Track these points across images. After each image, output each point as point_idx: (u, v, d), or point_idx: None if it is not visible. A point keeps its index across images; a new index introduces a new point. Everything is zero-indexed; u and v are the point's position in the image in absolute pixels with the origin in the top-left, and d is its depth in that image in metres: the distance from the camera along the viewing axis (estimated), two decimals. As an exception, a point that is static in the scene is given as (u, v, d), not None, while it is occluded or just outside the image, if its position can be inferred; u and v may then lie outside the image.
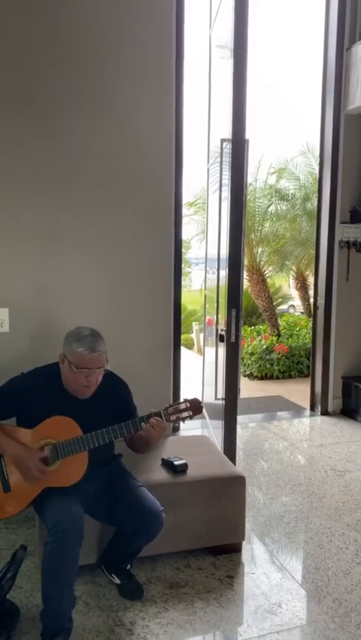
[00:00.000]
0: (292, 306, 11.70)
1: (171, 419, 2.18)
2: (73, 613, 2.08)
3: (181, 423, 2.26)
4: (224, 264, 3.35)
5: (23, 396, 2.20)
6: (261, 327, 8.70)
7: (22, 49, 2.92)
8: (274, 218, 8.73)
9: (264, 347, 7.32)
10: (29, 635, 2.07)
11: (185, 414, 2.17)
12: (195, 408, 2.18)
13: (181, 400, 2.22)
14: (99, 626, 2.14)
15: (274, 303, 9.48)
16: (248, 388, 6.41)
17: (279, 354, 7.18)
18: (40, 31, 2.94)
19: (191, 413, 2.18)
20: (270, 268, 9.15)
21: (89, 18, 3.02)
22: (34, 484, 2.11)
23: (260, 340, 7.63)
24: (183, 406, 2.18)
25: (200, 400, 2.22)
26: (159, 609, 2.24)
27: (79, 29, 3.01)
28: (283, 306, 11.58)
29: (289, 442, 4.25)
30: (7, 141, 2.94)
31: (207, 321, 4.85)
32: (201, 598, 2.31)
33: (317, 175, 5.41)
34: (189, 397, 2.22)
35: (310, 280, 9.48)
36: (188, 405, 2.18)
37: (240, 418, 3.42)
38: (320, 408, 4.97)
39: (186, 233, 8.64)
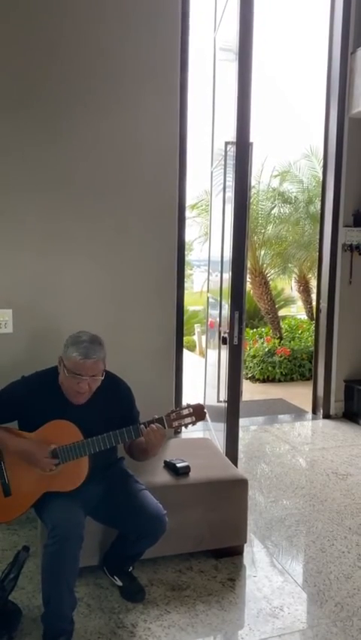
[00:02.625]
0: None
1: (174, 425, 2.15)
2: (74, 615, 2.08)
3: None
4: (227, 266, 3.35)
5: (23, 400, 2.19)
6: (263, 329, 8.69)
7: (26, 51, 2.93)
8: (277, 221, 8.72)
9: (266, 350, 7.31)
10: (31, 635, 2.07)
11: (188, 420, 2.15)
12: (199, 413, 2.16)
13: (184, 405, 2.20)
14: (101, 628, 2.13)
15: (277, 306, 9.47)
16: (250, 391, 6.41)
17: (281, 357, 7.17)
18: (45, 32, 2.95)
19: (194, 419, 2.15)
20: (272, 271, 9.14)
21: (94, 20, 3.04)
22: (35, 488, 2.10)
23: (262, 343, 7.62)
24: (186, 412, 2.15)
25: (203, 405, 2.20)
26: (161, 611, 2.23)
27: (84, 32, 3.02)
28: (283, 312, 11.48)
29: (290, 445, 4.25)
30: (11, 143, 2.95)
31: (209, 323, 4.85)
32: (202, 601, 2.31)
33: (321, 178, 5.41)
34: (193, 402, 2.20)
35: (313, 283, 9.49)
36: (191, 410, 2.16)
37: (241, 421, 3.42)
38: (321, 411, 4.96)
39: (188, 236, 8.65)
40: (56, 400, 2.18)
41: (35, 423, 2.14)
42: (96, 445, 2.09)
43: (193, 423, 2.16)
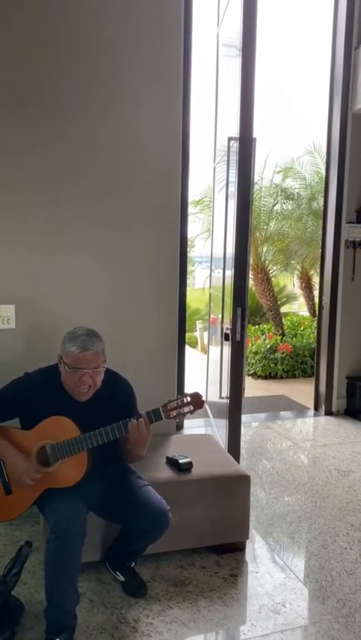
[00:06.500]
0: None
1: (172, 415, 2.12)
2: (77, 610, 2.08)
3: (185, 420, 2.21)
4: (230, 262, 3.34)
5: (25, 397, 2.18)
6: (265, 326, 8.69)
7: (27, 51, 2.91)
8: (280, 217, 8.71)
9: (268, 346, 7.31)
10: (33, 631, 2.07)
11: (186, 409, 2.12)
12: (196, 402, 2.12)
13: (181, 394, 2.18)
14: (103, 623, 2.14)
15: (279, 303, 9.47)
16: (252, 387, 6.42)
17: (283, 353, 7.17)
18: (46, 30, 2.93)
19: (192, 408, 2.12)
20: (275, 267, 9.13)
21: (95, 17, 3.02)
22: (34, 487, 2.11)
23: (264, 339, 7.63)
24: (183, 401, 2.12)
25: (201, 393, 2.17)
26: (163, 607, 2.24)
27: (85, 28, 3.00)
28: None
29: (292, 442, 4.25)
30: (14, 142, 2.94)
31: (211, 319, 4.85)
32: (205, 596, 2.31)
33: (323, 174, 5.40)
34: (190, 392, 2.17)
35: (315, 280, 9.47)
36: (188, 399, 2.12)
37: (243, 417, 3.42)
38: (323, 408, 4.96)
39: (190, 232, 8.64)
40: (58, 397, 2.18)
41: (37, 420, 2.14)
42: (93, 439, 2.07)
43: (191, 412, 2.13)
